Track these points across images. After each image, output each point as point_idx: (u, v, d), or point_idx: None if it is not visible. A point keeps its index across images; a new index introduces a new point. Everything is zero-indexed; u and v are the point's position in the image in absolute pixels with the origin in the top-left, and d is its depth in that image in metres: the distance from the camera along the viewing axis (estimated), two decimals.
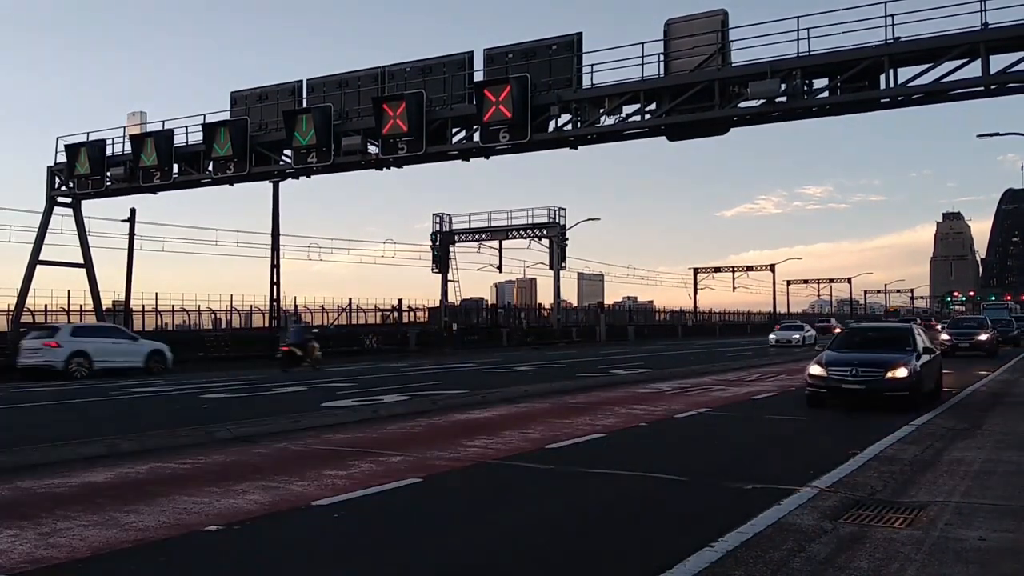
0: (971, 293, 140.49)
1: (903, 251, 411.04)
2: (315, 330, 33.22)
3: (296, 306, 52.80)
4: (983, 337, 32.51)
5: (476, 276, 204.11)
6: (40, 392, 20.17)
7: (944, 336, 33.02)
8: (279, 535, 6.46)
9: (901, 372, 13.82)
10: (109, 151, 35.27)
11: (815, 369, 14.65)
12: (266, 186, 36.70)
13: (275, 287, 37.24)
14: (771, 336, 49.77)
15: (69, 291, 43.52)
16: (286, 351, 27.21)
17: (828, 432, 11.65)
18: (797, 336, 48.11)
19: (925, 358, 14.69)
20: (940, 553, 5.58)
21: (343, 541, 6.35)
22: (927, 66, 23.28)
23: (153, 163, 33.38)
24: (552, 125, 28.02)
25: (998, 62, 22.73)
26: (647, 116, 27.02)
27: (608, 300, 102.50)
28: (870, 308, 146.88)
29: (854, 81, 24.01)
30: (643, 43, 26.13)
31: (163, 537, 6.25)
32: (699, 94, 25.52)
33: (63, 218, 37.70)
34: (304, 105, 31.40)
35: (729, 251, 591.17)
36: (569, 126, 28.03)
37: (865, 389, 13.91)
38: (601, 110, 27.21)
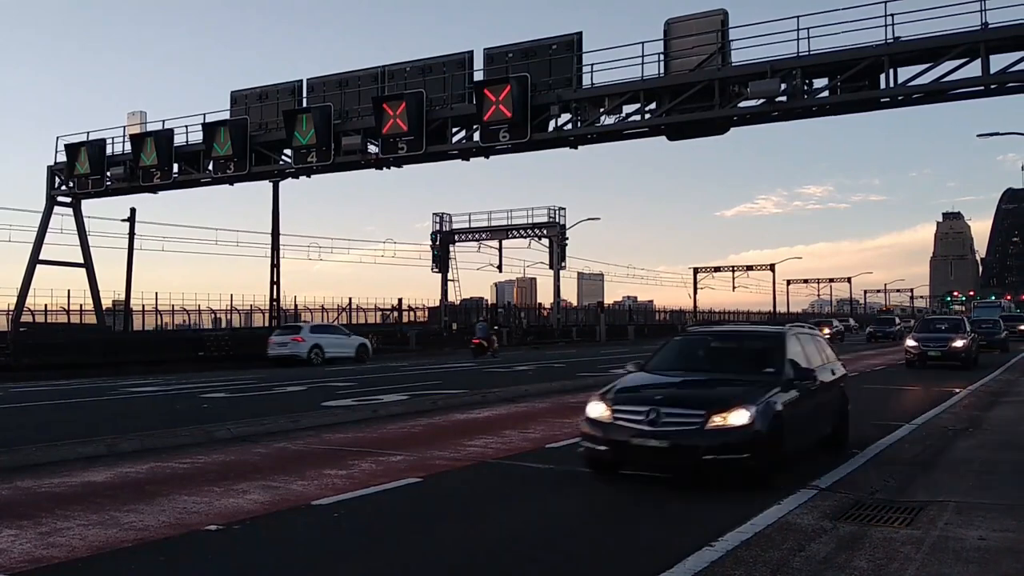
0: (971, 293, 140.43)
1: (903, 251, 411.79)
2: (496, 327, 41.96)
3: (296, 306, 52.84)
4: (958, 343, 25.79)
5: (476, 276, 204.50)
6: (40, 392, 20.19)
7: (910, 342, 26.97)
8: (280, 535, 6.45)
9: (737, 417, 7.68)
10: (109, 151, 35.33)
11: (595, 408, 8.40)
12: (266, 186, 36.73)
13: (275, 287, 37.25)
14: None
15: (69, 291, 43.59)
16: (476, 343, 34.83)
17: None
18: None
19: (793, 394, 8.40)
20: (940, 553, 5.58)
21: (343, 541, 6.35)
22: (927, 66, 23.32)
23: (153, 163, 33.43)
24: (552, 125, 28.06)
25: (998, 62, 22.82)
26: (647, 116, 27.06)
27: (608, 300, 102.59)
28: (870, 308, 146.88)
29: (854, 81, 24.04)
30: (643, 43, 26.25)
31: (163, 536, 6.25)
32: (699, 94, 25.55)
33: (63, 218, 37.82)
34: (304, 105, 31.44)
35: (729, 251, 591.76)
36: (569, 126, 28.07)
37: (669, 447, 7.73)
38: (601, 110, 27.25)
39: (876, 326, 56.29)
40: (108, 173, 35.38)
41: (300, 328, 32.31)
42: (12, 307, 38.43)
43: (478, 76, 28.38)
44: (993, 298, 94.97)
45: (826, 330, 50.55)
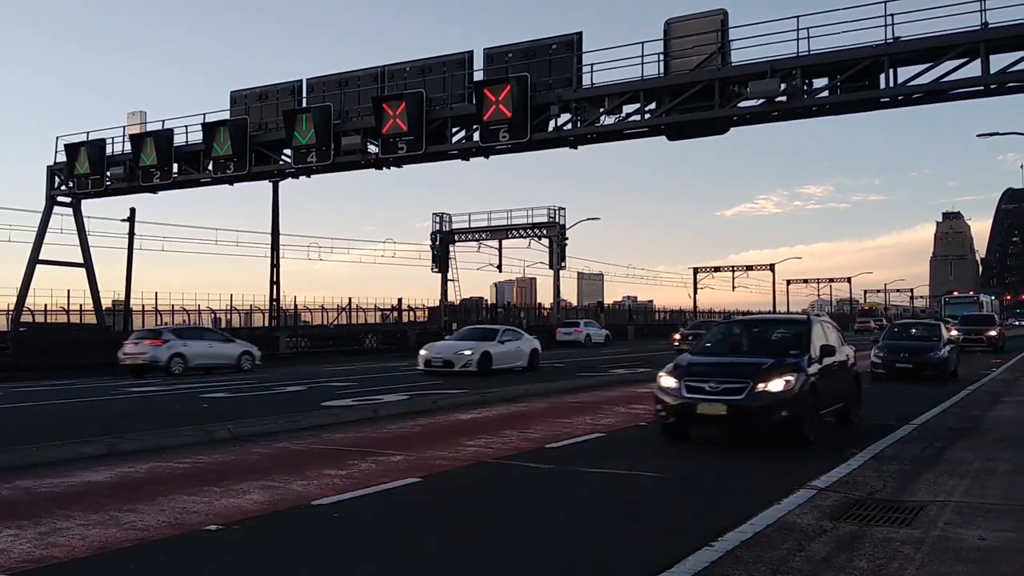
0: (970, 293, 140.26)
1: (903, 251, 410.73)
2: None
3: (296, 306, 52.87)
4: (775, 384, 10.15)
5: (476, 276, 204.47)
6: (40, 392, 20.19)
7: (666, 381, 10.74)
8: (279, 535, 6.46)
9: None
10: (109, 151, 35.29)
11: None
12: (266, 186, 36.74)
13: (275, 287, 37.27)
14: (421, 352, 25.67)
15: (69, 291, 43.59)
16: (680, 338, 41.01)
17: (828, 430, 11.61)
18: (469, 352, 24.36)
19: None
20: (940, 553, 5.58)
21: (342, 541, 6.35)
22: (927, 66, 23.30)
23: (153, 163, 33.41)
24: (552, 125, 28.03)
25: (998, 62, 22.78)
26: (647, 116, 27.04)
27: (608, 299, 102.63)
28: (869, 307, 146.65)
29: (854, 81, 24.03)
30: (643, 43, 26.20)
31: (163, 536, 6.25)
32: (699, 94, 25.53)
33: (63, 218, 37.77)
34: (304, 105, 31.41)
35: (729, 251, 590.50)
36: (569, 126, 28.05)
37: None
38: (601, 110, 27.23)
39: None
40: (108, 173, 35.34)
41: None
42: (12, 307, 38.40)
43: (478, 76, 28.36)
44: (993, 297, 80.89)
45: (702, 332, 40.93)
